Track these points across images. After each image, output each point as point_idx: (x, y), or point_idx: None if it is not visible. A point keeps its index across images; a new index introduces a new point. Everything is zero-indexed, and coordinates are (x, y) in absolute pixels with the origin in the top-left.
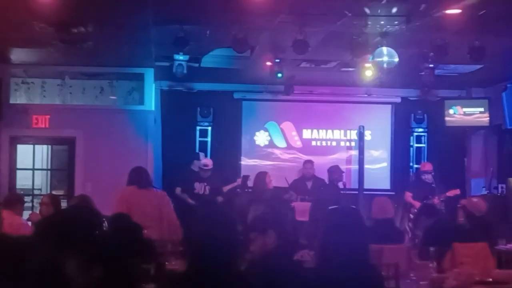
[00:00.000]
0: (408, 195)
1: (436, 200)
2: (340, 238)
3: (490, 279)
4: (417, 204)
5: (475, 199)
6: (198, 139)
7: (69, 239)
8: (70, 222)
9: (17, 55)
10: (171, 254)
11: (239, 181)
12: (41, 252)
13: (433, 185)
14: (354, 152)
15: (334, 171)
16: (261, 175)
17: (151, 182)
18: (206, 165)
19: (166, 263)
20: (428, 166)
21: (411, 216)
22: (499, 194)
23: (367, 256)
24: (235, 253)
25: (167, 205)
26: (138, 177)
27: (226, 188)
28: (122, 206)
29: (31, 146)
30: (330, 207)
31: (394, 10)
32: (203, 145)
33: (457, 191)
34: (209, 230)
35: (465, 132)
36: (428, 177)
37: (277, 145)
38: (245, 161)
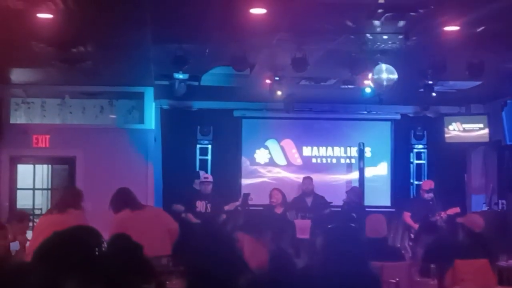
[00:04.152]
0: (407, 215)
1: (437, 218)
2: (339, 256)
3: None
4: (416, 226)
5: (471, 216)
6: (198, 157)
7: (69, 260)
8: (70, 243)
9: (17, 75)
10: (172, 273)
11: (240, 200)
12: (40, 275)
13: (431, 202)
14: (354, 169)
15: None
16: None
17: (138, 200)
18: (206, 178)
19: (167, 282)
20: (430, 184)
21: (411, 235)
22: (499, 210)
23: (368, 273)
24: (234, 272)
25: (164, 219)
26: (127, 200)
27: (227, 207)
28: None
29: (31, 166)
30: (329, 226)
31: (393, 27)
32: (203, 163)
33: (457, 209)
34: (208, 249)
35: (465, 148)
36: (430, 195)
37: (277, 162)
38: (245, 179)
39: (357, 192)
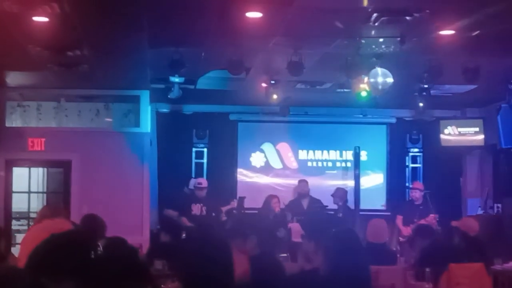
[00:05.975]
0: (399, 219)
1: (423, 222)
2: (342, 259)
3: None
4: (404, 230)
5: (467, 220)
6: (194, 160)
7: (64, 263)
8: (65, 246)
9: (13, 78)
10: (167, 276)
11: (234, 203)
12: (35, 279)
13: (421, 207)
14: (350, 173)
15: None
16: (267, 199)
17: (99, 228)
18: (200, 183)
19: (162, 286)
20: (416, 184)
21: (400, 238)
22: (495, 214)
23: (368, 277)
24: (229, 275)
25: None
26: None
27: (224, 209)
28: None
29: (27, 169)
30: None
31: (388, 31)
32: (199, 166)
33: (432, 217)
34: (203, 252)
35: (461, 152)
36: (416, 196)
37: (273, 166)
38: (241, 183)
39: (340, 193)
